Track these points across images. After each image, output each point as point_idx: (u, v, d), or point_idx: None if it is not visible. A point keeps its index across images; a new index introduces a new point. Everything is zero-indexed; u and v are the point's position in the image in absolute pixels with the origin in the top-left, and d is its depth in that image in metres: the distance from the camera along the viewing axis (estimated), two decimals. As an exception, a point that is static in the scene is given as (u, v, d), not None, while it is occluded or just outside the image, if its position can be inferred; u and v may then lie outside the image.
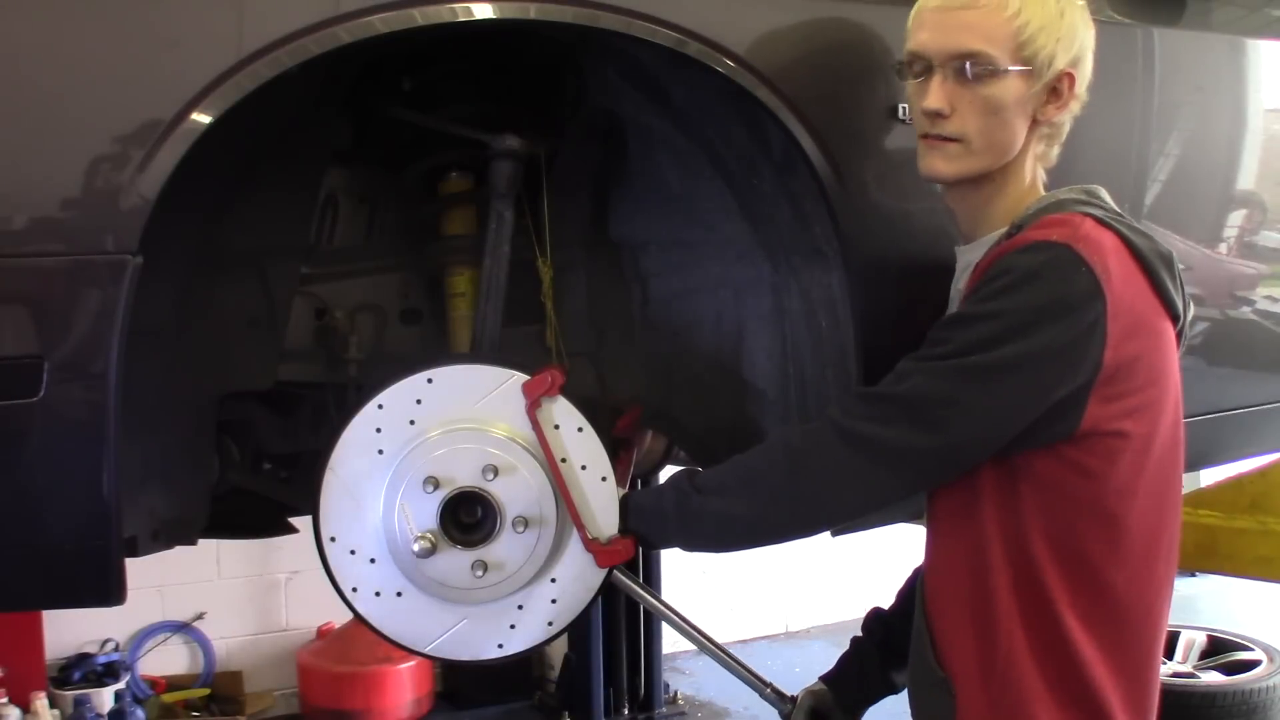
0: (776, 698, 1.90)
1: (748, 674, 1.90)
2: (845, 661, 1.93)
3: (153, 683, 4.85)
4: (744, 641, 5.73)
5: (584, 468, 1.73)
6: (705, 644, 1.89)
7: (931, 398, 1.46)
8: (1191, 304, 1.67)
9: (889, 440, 1.48)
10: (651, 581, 4.86)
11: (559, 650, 4.96)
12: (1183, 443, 1.60)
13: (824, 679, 1.92)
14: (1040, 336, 1.42)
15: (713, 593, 5.55)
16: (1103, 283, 1.43)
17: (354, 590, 1.74)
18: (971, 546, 1.55)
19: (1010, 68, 1.53)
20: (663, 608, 1.92)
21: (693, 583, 5.43)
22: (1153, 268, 1.50)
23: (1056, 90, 1.56)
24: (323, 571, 1.74)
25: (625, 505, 1.73)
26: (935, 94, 1.55)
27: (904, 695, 1.76)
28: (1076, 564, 1.51)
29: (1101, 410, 1.46)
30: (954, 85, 1.54)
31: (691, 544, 1.71)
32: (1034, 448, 1.49)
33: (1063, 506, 1.50)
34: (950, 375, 1.46)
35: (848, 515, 1.62)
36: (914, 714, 1.72)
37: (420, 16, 1.50)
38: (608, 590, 1.79)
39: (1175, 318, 1.55)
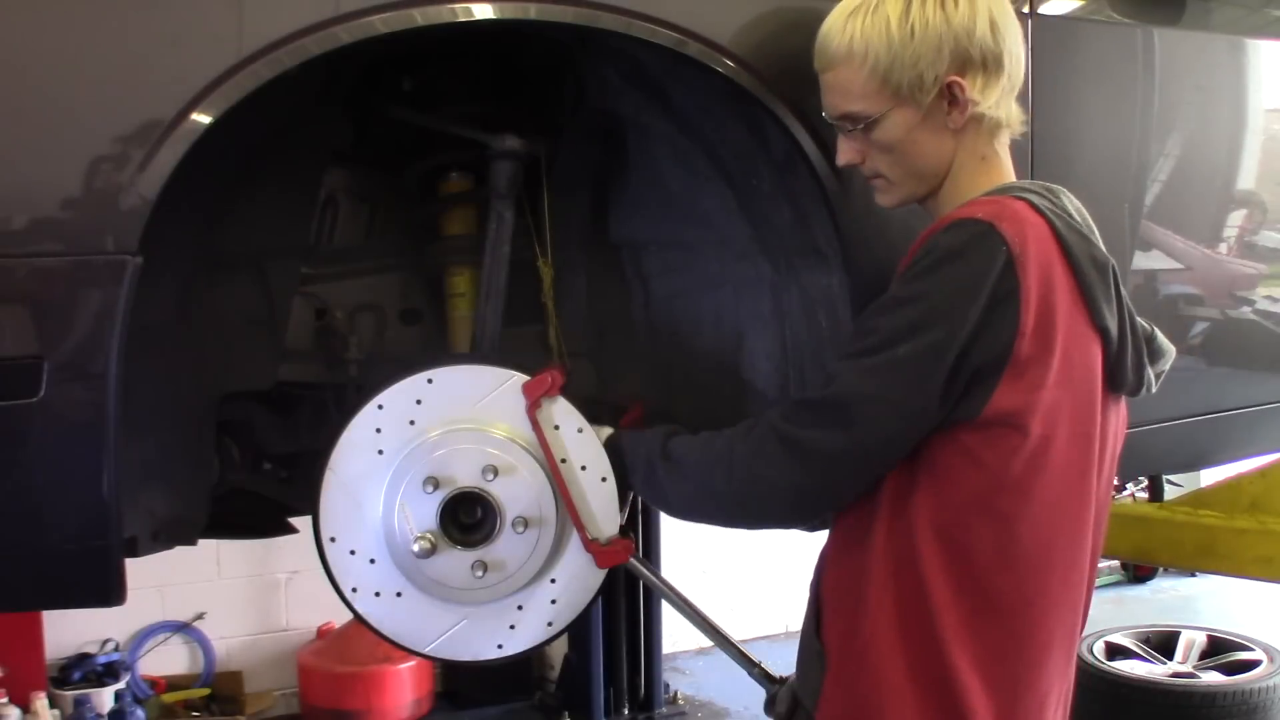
0: (764, 678, 1.89)
1: (740, 654, 1.91)
2: None
3: (153, 683, 4.85)
4: (744, 641, 5.67)
5: (584, 468, 1.73)
6: (701, 622, 1.90)
7: (865, 396, 1.46)
8: (1163, 351, 1.66)
9: (825, 445, 1.49)
10: (651, 581, 4.86)
11: (559, 650, 4.96)
12: (1099, 467, 1.57)
13: None
14: (959, 315, 1.41)
15: (713, 593, 5.55)
16: (1019, 263, 1.42)
17: (354, 590, 1.74)
18: (862, 529, 1.55)
19: (882, 110, 1.54)
20: (665, 588, 1.91)
21: (693, 582, 5.41)
22: (1080, 266, 1.48)
23: (952, 98, 1.53)
24: (323, 571, 1.74)
25: (611, 442, 1.75)
26: (842, 151, 1.63)
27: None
28: (961, 563, 1.49)
29: (1005, 398, 1.44)
30: (853, 138, 1.59)
31: (651, 501, 1.77)
32: (937, 431, 1.48)
33: (953, 497, 1.48)
34: (881, 372, 1.45)
35: (786, 519, 1.65)
36: (795, 679, 1.73)
37: (420, 17, 1.50)
38: (608, 590, 1.79)
39: (1102, 331, 1.51)
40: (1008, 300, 1.42)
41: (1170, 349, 1.68)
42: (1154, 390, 1.65)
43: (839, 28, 1.55)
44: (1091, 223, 1.60)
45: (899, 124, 1.55)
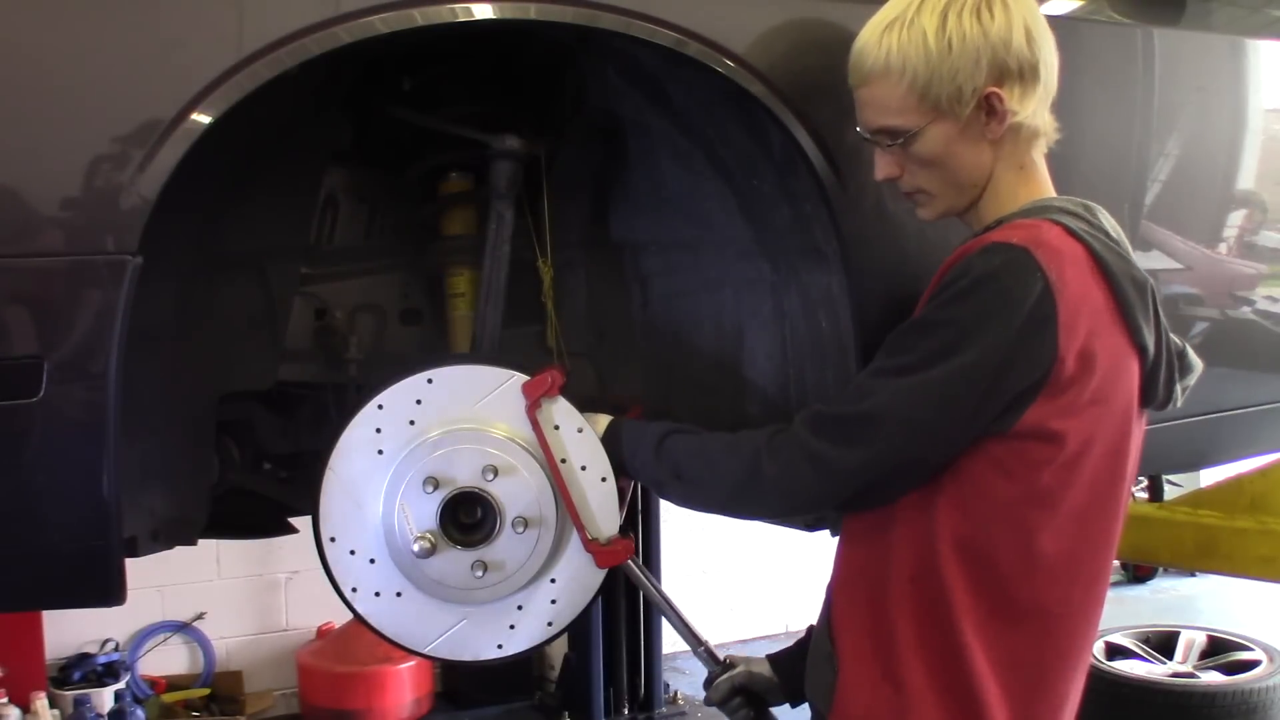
0: (708, 658, 1.86)
1: (688, 632, 1.86)
2: (797, 645, 1.87)
3: (153, 683, 4.86)
4: (744, 641, 5.73)
5: (584, 468, 1.73)
6: (660, 601, 1.87)
7: (896, 417, 1.46)
8: (1192, 367, 1.65)
9: (850, 462, 1.49)
10: (651, 581, 4.86)
11: (559, 650, 4.96)
12: (1127, 480, 1.57)
13: (770, 657, 1.88)
14: (993, 341, 1.42)
15: (713, 593, 5.56)
16: (1056, 290, 1.42)
17: (354, 590, 1.74)
18: (882, 530, 1.55)
19: (921, 124, 1.54)
20: (656, 593, 1.89)
21: (693, 582, 5.44)
22: (1120, 288, 1.48)
23: (990, 109, 1.53)
24: (322, 571, 1.74)
25: (616, 429, 1.74)
26: (880, 166, 1.62)
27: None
28: (982, 570, 1.49)
29: (1038, 414, 1.45)
30: (891, 152, 1.58)
31: (647, 482, 1.78)
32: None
33: (978, 506, 1.49)
34: (914, 393, 1.45)
35: (805, 515, 1.74)
36: (805, 682, 1.73)
37: (420, 17, 1.50)
38: (608, 590, 1.79)
39: (1141, 349, 1.52)
40: (1044, 327, 1.42)
41: (1199, 365, 1.68)
42: (1179, 404, 1.65)
43: (874, 42, 1.54)
44: (1125, 239, 1.60)
45: (938, 137, 1.54)
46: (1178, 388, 1.63)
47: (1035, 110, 1.56)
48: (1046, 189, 1.62)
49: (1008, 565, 1.50)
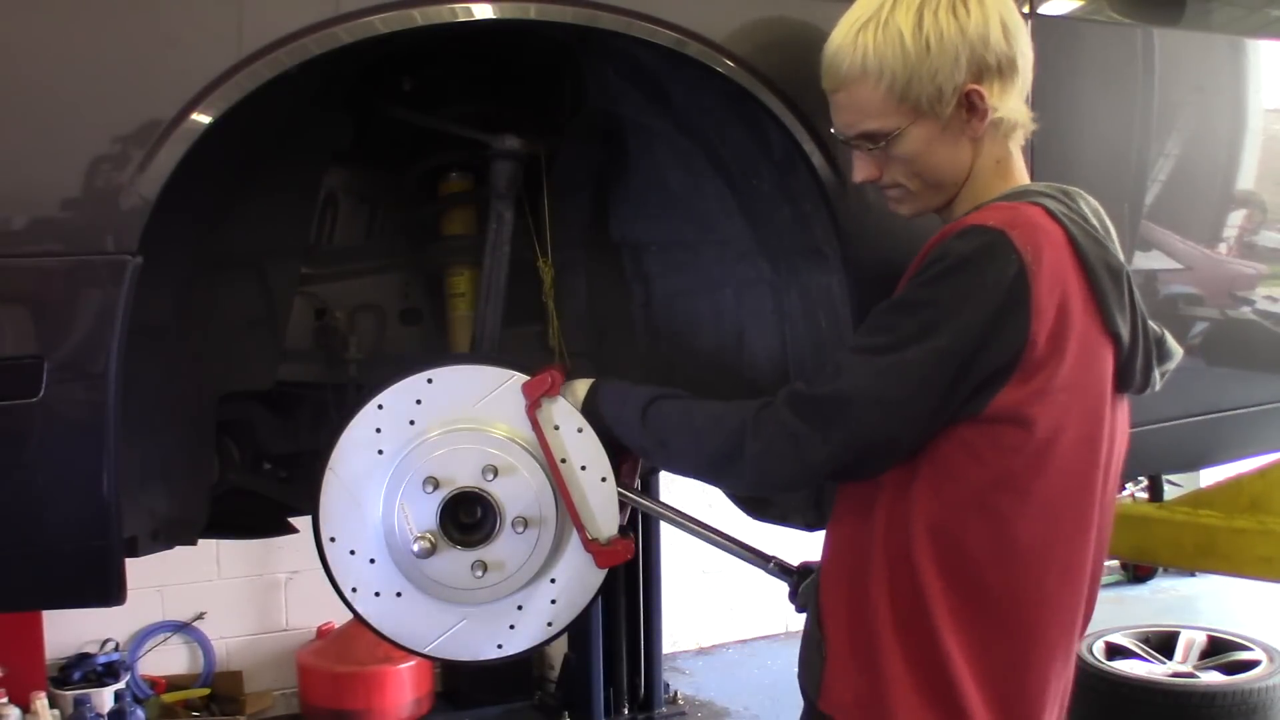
0: (780, 571, 1.85)
1: (750, 553, 1.86)
2: None
3: (153, 683, 4.86)
4: (744, 641, 5.73)
5: (584, 468, 1.74)
6: (710, 535, 1.86)
7: (869, 396, 1.46)
8: (1171, 353, 1.65)
9: (824, 444, 1.50)
10: (651, 581, 4.86)
11: (559, 650, 4.96)
12: (1102, 467, 1.56)
13: None
14: (967, 323, 1.41)
15: (713, 593, 5.55)
16: (1030, 273, 1.41)
17: (354, 590, 1.75)
18: (862, 514, 1.56)
19: (901, 125, 1.53)
20: (664, 510, 1.88)
21: (693, 582, 5.43)
22: (1095, 273, 1.48)
23: (971, 107, 1.52)
24: (323, 571, 1.74)
25: (597, 393, 1.73)
26: (859, 168, 1.61)
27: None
28: (952, 556, 1.49)
29: (1009, 398, 1.45)
30: (870, 154, 1.57)
31: (632, 447, 1.75)
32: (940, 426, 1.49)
33: (951, 491, 1.49)
34: (887, 373, 1.46)
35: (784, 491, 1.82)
36: (799, 670, 1.72)
37: (420, 17, 1.50)
38: (608, 590, 1.79)
39: (1115, 336, 1.51)
40: (1017, 309, 1.41)
41: (1178, 351, 1.68)
42: (1157, 388, 1.65)
43: (849, 45, 1.52)
44: (1109, 223, 1.60)
45: (919, 138, 1.54)
46: (1155, 373, 1.62)
47: (1014, 104, 1.55)
48: (1023, 179, 1.61)
49: (979, 551, 1.50)
